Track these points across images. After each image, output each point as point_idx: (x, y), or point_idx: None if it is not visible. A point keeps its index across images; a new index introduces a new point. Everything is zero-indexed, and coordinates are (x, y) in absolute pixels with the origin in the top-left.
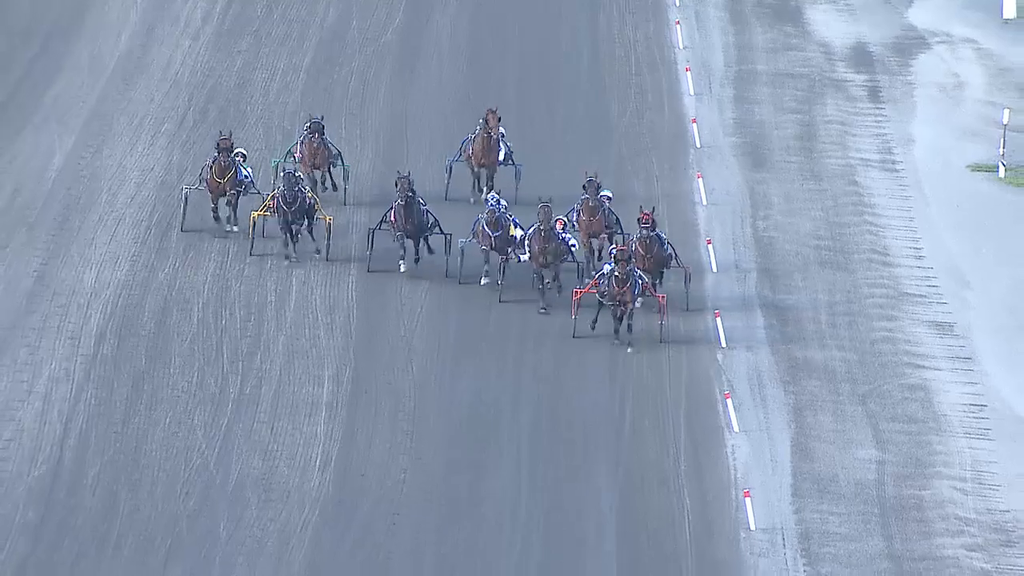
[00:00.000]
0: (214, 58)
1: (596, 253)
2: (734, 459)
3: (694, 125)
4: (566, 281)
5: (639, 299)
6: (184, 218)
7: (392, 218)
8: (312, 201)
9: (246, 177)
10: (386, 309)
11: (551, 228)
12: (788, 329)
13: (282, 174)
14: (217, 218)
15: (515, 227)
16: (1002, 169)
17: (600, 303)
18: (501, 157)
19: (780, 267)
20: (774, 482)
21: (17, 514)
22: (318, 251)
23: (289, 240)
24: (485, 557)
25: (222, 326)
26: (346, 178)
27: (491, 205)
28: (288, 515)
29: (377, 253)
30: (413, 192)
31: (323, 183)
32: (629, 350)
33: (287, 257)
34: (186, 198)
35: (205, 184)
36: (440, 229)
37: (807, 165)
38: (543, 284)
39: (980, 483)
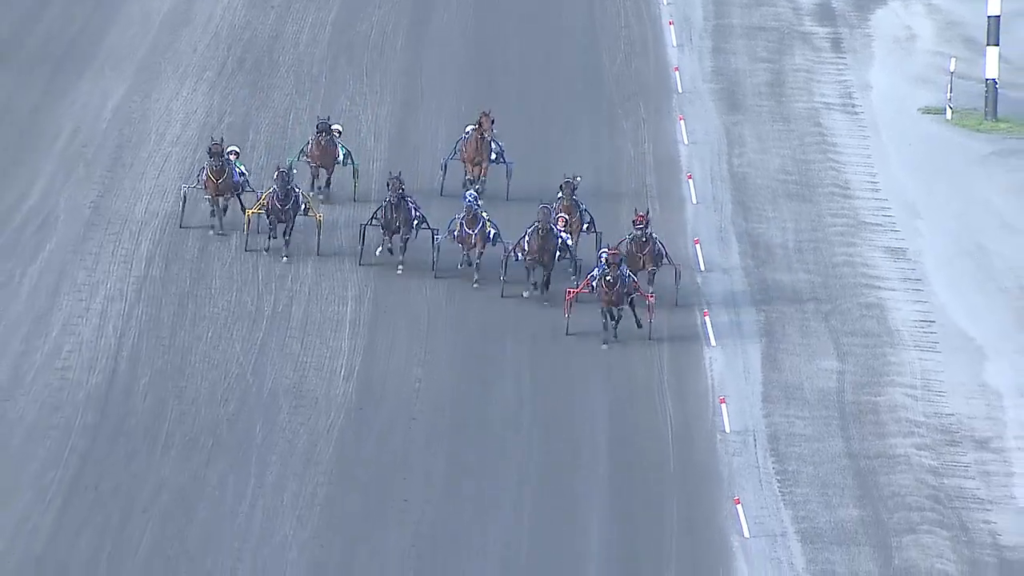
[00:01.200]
0: (250, 13)
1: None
2: (711, 370)
3: (676, 73)
4: (559, 281)
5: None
6: (183, 215)
7: (381, 215)
8: (305, 200)
9: (241, 176)
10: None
11: (549, 228)
12: (759, 254)
13: (276, 173)
14: (213, 214)
15: (491, 225)
16: (949, 112)
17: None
18: (492, 156)
19: (752, 199)
20: (747, 390)
21: (77, 417)
22: (286, 255)
23: (280, 236)
24: (491, 455)
25: (255, 257)
26: (356, 175)
27: (469, 202)
28: (316, 419)
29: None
30: (403, 192)
31: (327, 183)
32: (610, 344)
33: (283, 256)
34: (185, 197)
35: (203, 186)
36: (427, 225)
37: (776, 108)
38: (536, 283)
39: (928, 390)
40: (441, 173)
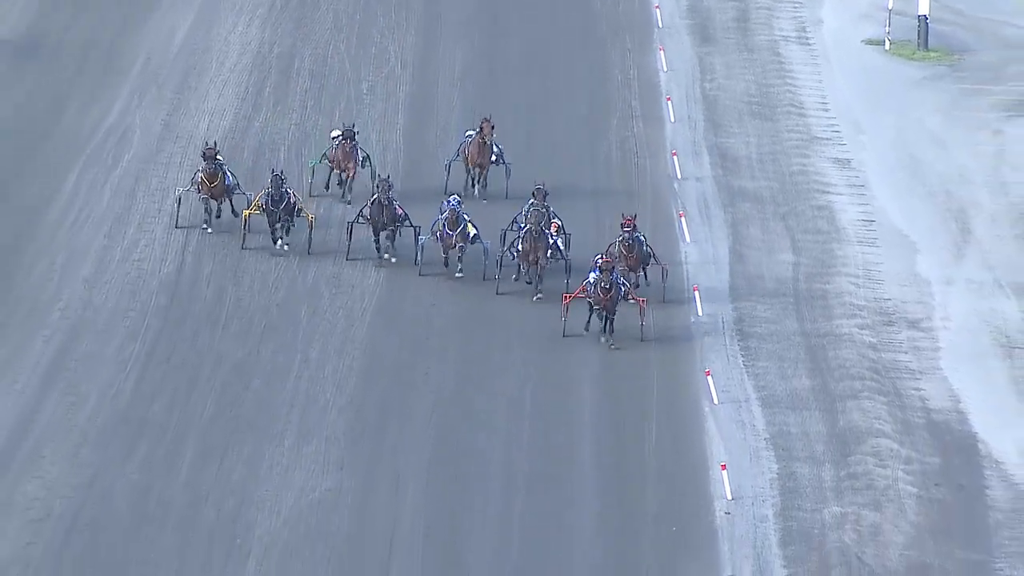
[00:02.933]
0: None
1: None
2: (686, 263)
3: (657, 11)
4: (554, 287)
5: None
6: (178, 216)
7: (368, 213)
8: (296, 201)
9: (232, 180)
10: (424, 163)
11: (541, 230)
12: (727, 164)
13: (270, 176)
14: (207, 216)
15: (472, 226)
16: (887, 43)
17: (590, 307)
18: (493, 159)
19: (722, 118)
20: (716, 279)
21: (151, 301)
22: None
23: (278, 233)
24: (498, 342)
25: (300, 165)
26: (373, 177)
27: (452, 205)
28: (352, 303)
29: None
30: (390, 193)
31: (349, 185)
32: (613, 347)
33: (277, 247)
34: (179, 199)
35: (197, 188)
36: (410, 223)
37: (742, 41)
38: (529, 280)
39: (869, 279)
40: (445, 174)
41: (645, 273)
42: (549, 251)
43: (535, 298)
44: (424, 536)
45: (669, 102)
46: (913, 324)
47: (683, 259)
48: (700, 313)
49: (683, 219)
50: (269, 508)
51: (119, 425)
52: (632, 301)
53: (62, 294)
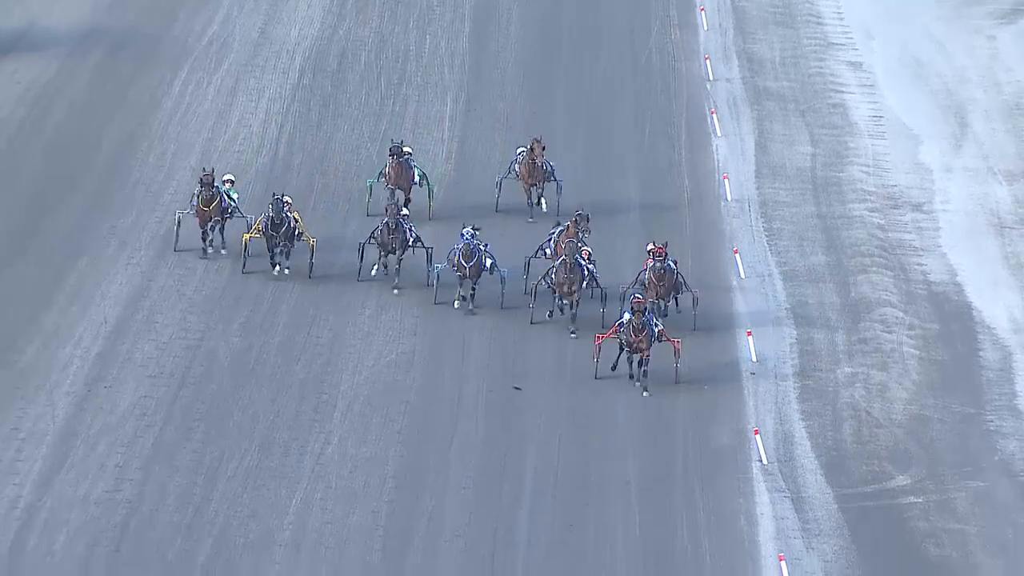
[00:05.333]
0: None
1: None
2: (717, 154)
3: None
4: (588, 326)
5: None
6: (177, 239)
7: (379, 234)
8: (297, 225)
9: (231, 204)
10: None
11: (575, 260)
12: (754, 67)
13: (271, 200)
14: (204, 239)
15: (488, 257)
16: None
17: (621, 347)
18: (546, 175)
19: (749, 26)
20: (743, 168)
21: (249, 187)
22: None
23: (276, 258)
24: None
25: (379, 68)
26: (431, 195)
27: (466, 239)
28: (422, 189)
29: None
30: (399, 215)
31: (406, 203)
32: (645, 394)
33: (276, 272)
34: (179, 221)
35: (194, 211)
36: (422, 244)
37: None
38: (563, 311)
39: (878, 168)
40: (496, 190)
41: (676, 301)
42: (584, 282)
43: (571, 333)
44: (487, 392)
45: (703, 12)
46: (916, 207)
47: (714, 150)
48: (729, 199)
49: (714, 116)
50: (352, 368)
51: (222, 296)
52: (665, 341)
53: (172, 181)
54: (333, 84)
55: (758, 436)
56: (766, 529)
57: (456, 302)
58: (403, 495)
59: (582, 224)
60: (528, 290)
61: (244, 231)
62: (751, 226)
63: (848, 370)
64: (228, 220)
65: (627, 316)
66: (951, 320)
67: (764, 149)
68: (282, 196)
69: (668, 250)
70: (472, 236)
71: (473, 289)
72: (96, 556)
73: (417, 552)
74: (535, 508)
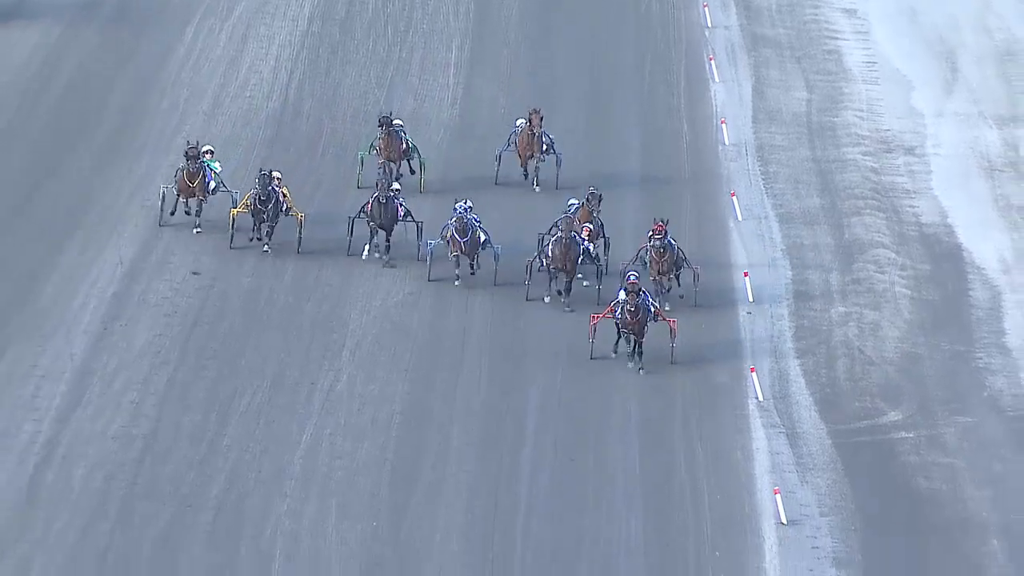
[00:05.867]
0: None
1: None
2: (715, 99)
3: None
4: (583, 308)
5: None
6: (162, 213)
7: (369, 209)
8: (285, 200)
9: (216, 179)
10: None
11: (572, 237)
12: (751, 14)
13: (258, 175)
14: (188, 214)
15: (482, 232)
16: None
17: (617, 329)
18: (544, 148)
19: None
20: (740, 114)
21: (260, 132)
22: (267, 247)
23: (263, 234)
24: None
25: (386, 15)
26: (423, 168)
27: (459, 212)
28: (429, 135)
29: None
30: (390, 191)
31: (398, 172)
32: (641, 372)
33: (265, 249)
34: (163, 196)
35: (176, 186)
36: (412, 218)
37: None
38: (559, 288)
39: (871, 113)
40: (496, 163)
41: (677, 278)
42: (580, 259)
43: (566, 309)
44: (492, 329)
45: None
46: (909, 151)
47: (712, 96)
48: (727, 142)
49: (712, 62)
50: (360, 308)
51: (234, 239)
52: (662, 321)
53: (184, 125)
54: (341, 31)
55: (754, 374)
56: (762, 463)
57: (456, 281)
58: (410, 431)
59: (594, 203)
60: (530, 267)
61: (230, 206)
62: (748, 170)
63: (842, 309)
64: (213, 195)
65: (622, 295)
66: (942, 261)
67: (761, 95)
68: (270, 172)
69: (668, 227)
70: (467, 210)
71: (472, 267)
72: (113, 489)
73: (424, 485)
74: (538, 443)
